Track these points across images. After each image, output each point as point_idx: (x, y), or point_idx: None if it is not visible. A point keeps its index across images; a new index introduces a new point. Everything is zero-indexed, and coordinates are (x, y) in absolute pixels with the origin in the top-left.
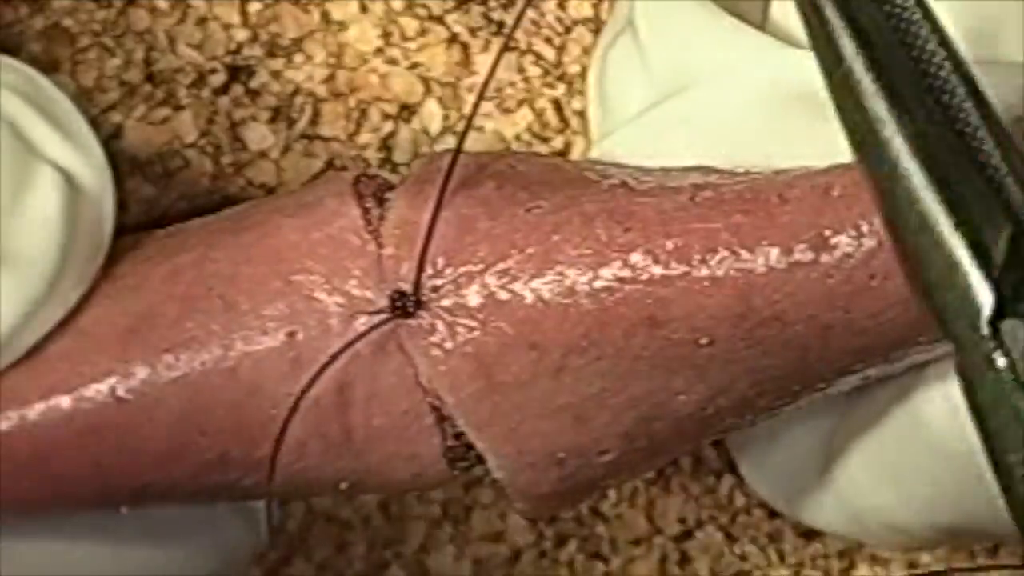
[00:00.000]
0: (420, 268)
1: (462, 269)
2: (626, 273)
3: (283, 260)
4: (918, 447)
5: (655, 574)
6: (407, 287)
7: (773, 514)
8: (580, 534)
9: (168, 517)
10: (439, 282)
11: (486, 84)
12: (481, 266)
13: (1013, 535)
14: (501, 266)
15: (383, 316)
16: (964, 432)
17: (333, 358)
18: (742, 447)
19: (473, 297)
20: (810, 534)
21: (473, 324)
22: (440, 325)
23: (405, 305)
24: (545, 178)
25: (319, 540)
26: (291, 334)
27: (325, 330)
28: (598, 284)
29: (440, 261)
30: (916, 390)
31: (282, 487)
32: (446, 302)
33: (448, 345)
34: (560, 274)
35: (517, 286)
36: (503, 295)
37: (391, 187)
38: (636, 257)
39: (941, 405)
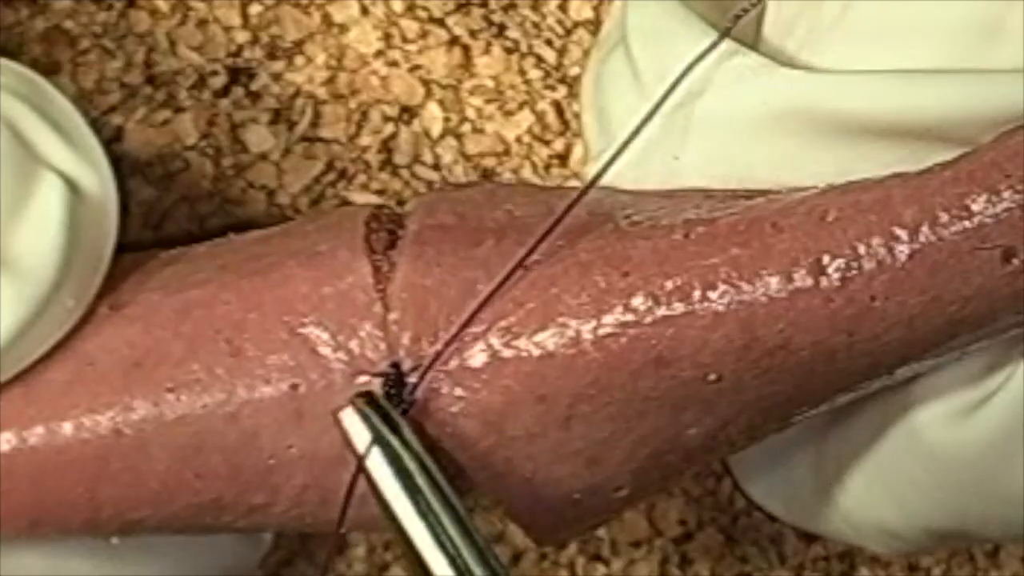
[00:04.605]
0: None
1: (465, 331)
2: (628, 317)
3: (292, 311)
4: (912, 454)
5: None
6: (407, 360)
7: (774, 516)
8: (581, 536)
9: None
10: (442, 346)
11: None
12: (483, 326)
13: (1006, 538)
14: (503, 324)
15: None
16: (958, 440)
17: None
18: (737, 454)
19: (477, 358)
20: (811, 536)
21: (478, 385)
22: (444, 389)
23: (402, 396)
24: (541, 223)
25: (321, 542)
26: (294, 386)
27: (328, 385)
28: (602, 331)
29: (442, 325)
30: (911, 398)
31: (277, 529)
32: (450, 366)
33: (452, 409)
34: (562, 325)
35: (520, 342)
36: (507, 352)
37: (402, 224)
38: (637, 300)
39: (935, 413)
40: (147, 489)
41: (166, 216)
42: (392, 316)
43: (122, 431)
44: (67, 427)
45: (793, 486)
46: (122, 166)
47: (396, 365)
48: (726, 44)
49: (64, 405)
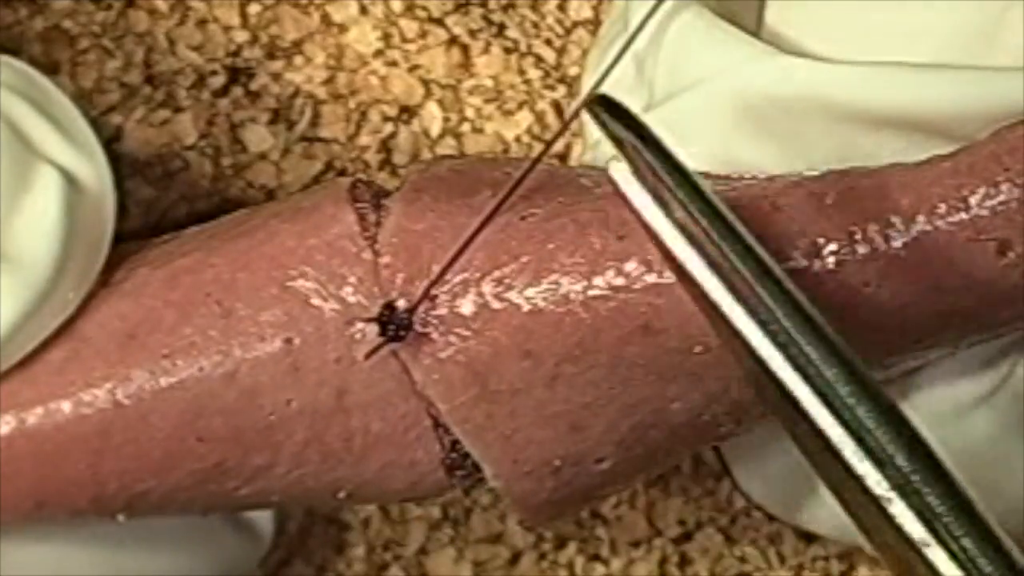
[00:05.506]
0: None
1: (458, 278)
2: (620, 281)
3: (280, 266)
4: None
5: None
6: (402, 300)
7: (773, 516)
8: (580, 536)
9: (168, 529)
10: (435, 291)
11: None
12: (477, 274)
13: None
14: (496, 274)
15: (378, 339)
16: (957, 438)
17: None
18: (736, 453)
19: (468, 306)
20: (810, 536)
21: (467, 333)
22: (434, 334)
23: (395, 323)
24: (540, 184)
25: (319, 542)
26: (288, 340)
27: (322, 337)
28: (592, 292)
29: (436, 270)
30: (909, 396)
31: (280, 497)
32: (441, 311)
33: (441, 354)
34: (554, 283)
35: (512, 294)
36: (497, 304)
37: (387, 193)
38: (630, 265)
39: (934, 412)
40: (150, 459)
41: (165, 216)
42: (383, 260)
43: (121, 403)
44: (66, 405)
45: (792, 486)
46: (121, 166)
47: (391, 305)
48: (727, 30)
49: (61, 383)
